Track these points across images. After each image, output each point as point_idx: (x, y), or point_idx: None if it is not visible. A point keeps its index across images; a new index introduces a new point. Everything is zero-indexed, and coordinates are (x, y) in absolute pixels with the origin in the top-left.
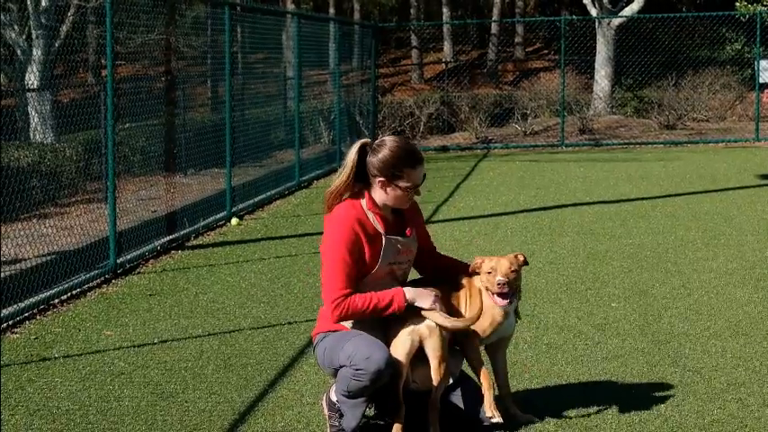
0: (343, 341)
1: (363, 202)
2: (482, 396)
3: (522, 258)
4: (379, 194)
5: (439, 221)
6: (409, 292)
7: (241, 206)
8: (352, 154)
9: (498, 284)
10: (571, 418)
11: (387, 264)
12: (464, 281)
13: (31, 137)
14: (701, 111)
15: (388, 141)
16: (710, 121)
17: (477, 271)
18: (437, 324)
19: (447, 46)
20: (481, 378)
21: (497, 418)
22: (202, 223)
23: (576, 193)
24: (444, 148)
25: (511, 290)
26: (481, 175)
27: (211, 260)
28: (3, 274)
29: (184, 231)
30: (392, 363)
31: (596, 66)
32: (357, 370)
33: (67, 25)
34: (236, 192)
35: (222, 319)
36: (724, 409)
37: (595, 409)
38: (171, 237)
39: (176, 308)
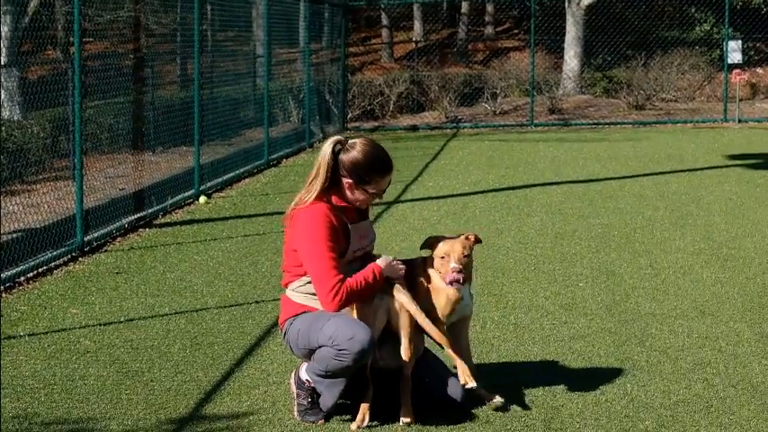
0: (321, 321)
1: (332, 199)
2: (447, 374)
3: (473, 239)
4: (345, 193)
5: (408, 201)
6: (382, 264)
7: (209, 184)
8: (326, 153)
9: (453, 270)
10: (537, 397)
11: (352, 252)
12: (417, 266)
13: None
14: (669, 91)
15: (361, 144)
16: (679, 101)
17: (431, 249)
18: (405, 308)
19: (417, 25)
20: (449, 352)
21: (471, 384)
22: (170, 201)
23: (544, 173)
24: (414, 128)
25: (465, 275)
26: (450, 155)
27: (179, 238)
28: None
29: (152, 209)
30: (374, 342)
31: (565, 46)
32: (340, 350)
33: (35, 1)
34: (205, 170)
35: (189, 297)
36: (690, 390)
37: (562, 388)
38: (139, 215)
39: (143, 286)
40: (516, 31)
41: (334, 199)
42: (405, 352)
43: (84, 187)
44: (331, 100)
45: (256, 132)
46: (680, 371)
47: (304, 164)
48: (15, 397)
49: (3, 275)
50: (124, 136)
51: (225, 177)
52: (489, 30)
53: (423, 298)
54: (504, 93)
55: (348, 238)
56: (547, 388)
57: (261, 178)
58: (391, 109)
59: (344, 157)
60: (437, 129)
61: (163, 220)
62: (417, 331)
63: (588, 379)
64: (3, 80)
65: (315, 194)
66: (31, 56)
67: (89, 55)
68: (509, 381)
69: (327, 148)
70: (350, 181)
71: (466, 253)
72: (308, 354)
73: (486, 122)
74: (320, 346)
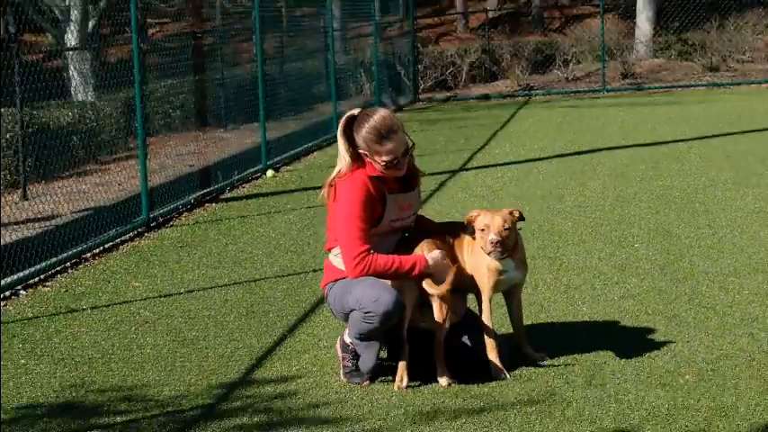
0: (351, 286)
1: (367, 168)
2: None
3: (517, 214)
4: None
5: (473, 168)
6: (431, 261)
7: (278, 159)
8: (340, 132)
9: (491, 243)
10: (582, 355)
11: (389, 222)
12: (460, 236)
13: (72, 96)
14: (745, 52)
15: (362, 118)
16: (755, 61)
17: (472, 224)
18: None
19: None
20: (487, 345)
21: (504, 376)
22: (237, 176)
23: (612, 137)
24: (486, 97)
25: (504, 248)
26: (520, 123)
27: (244, 212)
28: (37, 231)
29: (219, 184)
30: (400, 303)
31: (637, 9)
32: (366, 313)
33: None
34: (274, 144)
35: (249, 268)
36: (734, 344)
37: (606, 345)
38: (206, 190)
39: (205, 258)
40: None
41: (369, 169)
42: (437, 314)
43: (155, 165)
44: (402, 72)
45: (326, 106)
46: (726, 326)
47: None
48: (74, 367)
49: (70, 252)
50: (196, 114)
51: (293, 151)
52: None
53: (464, 264)
54: (577, 59)
55: (384, 207)
56: (591, 346)
57: (329, 151)
58: (464, 79)
59: (354, 132)
60: (509, 97)
61: (229, 195)
62: (456, 296)
63: (634, 336)
64: (76, 63)
65: (348, 168)
66: (109, 38)
67: (164, 36)
68: (555, 340)
69: (340, 126)
70: (363, 152)
71: (506, 226)
72: (345, 317)
73: (558, 89)
74: (351, 310)
